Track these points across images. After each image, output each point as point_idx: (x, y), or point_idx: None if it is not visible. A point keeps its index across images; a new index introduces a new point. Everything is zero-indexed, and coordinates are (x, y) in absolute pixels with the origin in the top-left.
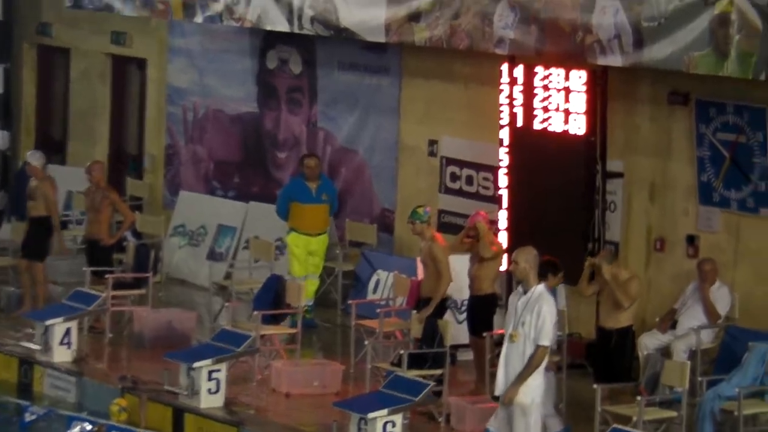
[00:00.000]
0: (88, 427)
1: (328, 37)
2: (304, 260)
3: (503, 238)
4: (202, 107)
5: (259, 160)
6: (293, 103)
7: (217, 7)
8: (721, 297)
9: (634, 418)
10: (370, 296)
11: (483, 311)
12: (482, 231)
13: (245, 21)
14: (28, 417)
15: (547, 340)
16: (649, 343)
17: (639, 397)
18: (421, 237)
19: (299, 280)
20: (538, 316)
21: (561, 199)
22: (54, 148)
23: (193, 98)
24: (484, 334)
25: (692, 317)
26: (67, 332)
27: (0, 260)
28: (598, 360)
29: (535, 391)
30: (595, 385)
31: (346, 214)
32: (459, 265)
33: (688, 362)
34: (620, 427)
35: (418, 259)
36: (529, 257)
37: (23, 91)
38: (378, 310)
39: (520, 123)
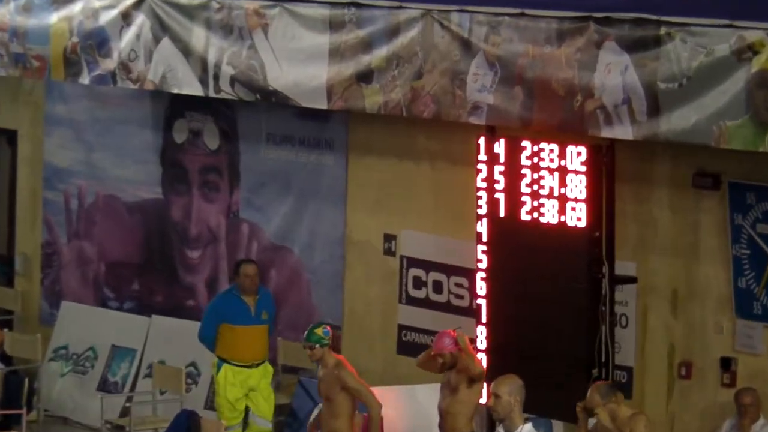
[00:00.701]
0: None
1: (254, 102)
2: (239, 403)
3: (482, 360)
4: (91, 193)
5: (165, 261)
6: (209, 188)
7: (109, 65)
8: None
9: None
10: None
11: None
12: (463, 344)
13: (146, 82)
14: None
15: None
16: None
17: None
18: (322, 364)
19: (232, 429)
20: None
21: (558, 312)
22: None
23: (79, 181)
24: None
25: None
26: None
27: None
28: None
29: None
30: None
31: (278, 331)
32: (425, 394)
33: None
34: None
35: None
36: (513, 388)
37: None
38: None
39: (502, 213)
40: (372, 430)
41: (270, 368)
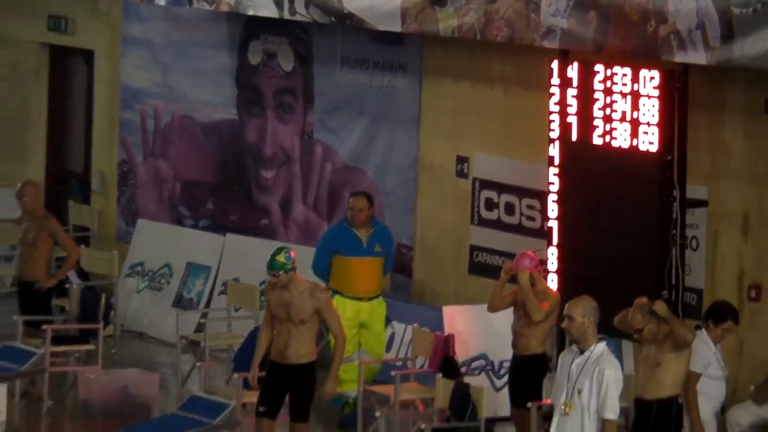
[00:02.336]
0: None
1: (328, 25)
2: (350, 337)
3: (553, 283)
4: (167, 113)
5: (240, 181)
6: (283, 109)
7: None
8: None
9: None
10: (383, 356)
11: (530, 376)
12: (523, 285)
13: (221, 4)
14: None
15: (613, 413)
16: (741, 418)
17: None
18: (289, 289)
19: (345, 362)
20: (599, 382)
21: (628, 234)
22: None
23: (155, 102)
24: (529, 404)
25: None
26: None
27: None
28: None
29: None
30: None
31: None
32: (498, 314)
33: None
34: None
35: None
36: (586, 310)
37: None
38: (393, 373)
39: (574, 137)
40: (336, 359)
41: (383, 304)
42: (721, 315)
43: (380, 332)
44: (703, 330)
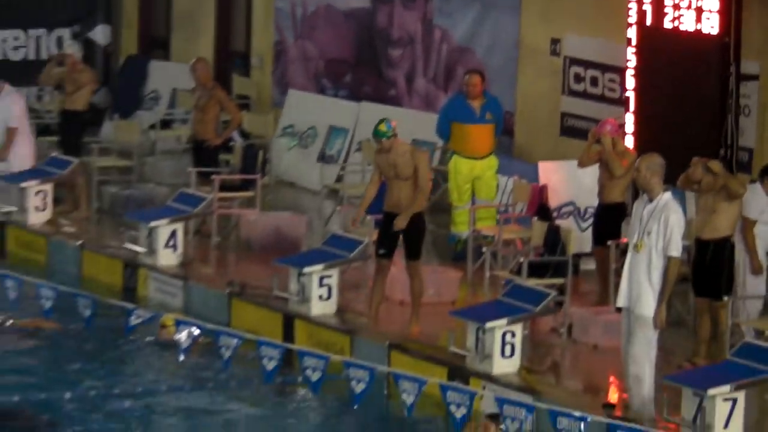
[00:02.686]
0: (196, 331)
1: None
2: (465, 189)
3: (630, 143)
4: (312, 3)
5: (372, 59)
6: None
7: None
8: None
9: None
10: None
11: (611, 220)
12: (606, 145)
13: None
14: (134, 321)
15: (676, 251)
16: None
17: None
18: (393, 152)
19: (459, 208)
20: (665, 225)
21: (691, 103)
22: (157, 44)
23: None
24: (609, 243)
25: None
26: (173, 235)
27: (103, 160)
28: (696, 273)
29: (651, 301)
30: (725, 297)
31: None
32: (585, 172)
33: None
34: (752, 341)
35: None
36: (651, 165)
37: None
38: (497, 217)
39: (649, 21)
40: (416, 205)
41: (495, 160)
42: None
43: (491, 184)
44: (758, 184)
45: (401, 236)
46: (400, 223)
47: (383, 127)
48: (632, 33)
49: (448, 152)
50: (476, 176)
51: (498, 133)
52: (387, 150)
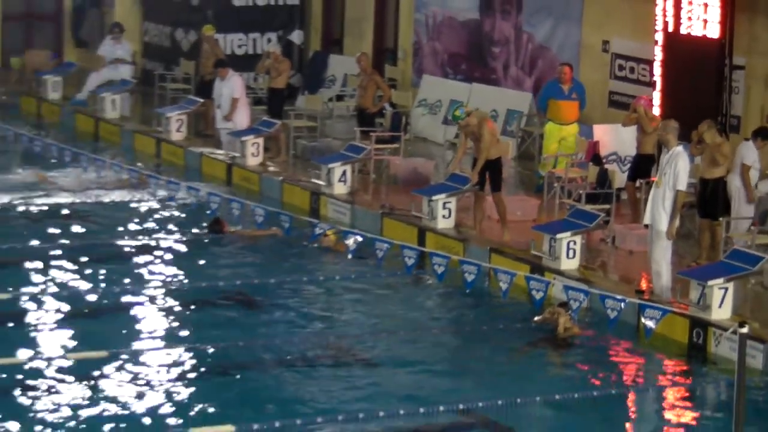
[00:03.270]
0: (360, 238)
1: None
2: (555, 145)
3: (656, 111)
4: (439, 15)
5: (480, 54)
6: (505, 12)
7: None
8: None
9: (748, 241)
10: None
11: (643, 166)
12: (640, 113)
13: None
14: (317, 231)
15: (682, 185)
16: (762, 187)
17: (752, 227)
18: (470, 126)
19: (547, 158)
20: (675, 168)
21: (699, 85)
22: (334, 43)
23: (433, 8)
24: (639, 181)
25: None
26: (344, 173)
27: (297, 122)
28: (699, 202)
29: (665, 220)
30: (721, 219)
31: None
32: (627, 131)
33: None
34: (740, 248)
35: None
36: (669, 127)
37: (312, 1)
38: (566, 162)
39: (671, 29)
40: (479, 162)
41: (576, 127)
42: (764, 134)
43: (571, 143)
44: (751, 141)
45: (486, 176)
46: (474, 176)
47: (457, 112)
48: (659, 37)
49: (544, 120)
50: (562, 137)
51: (582, 107)
52: (464, 125)
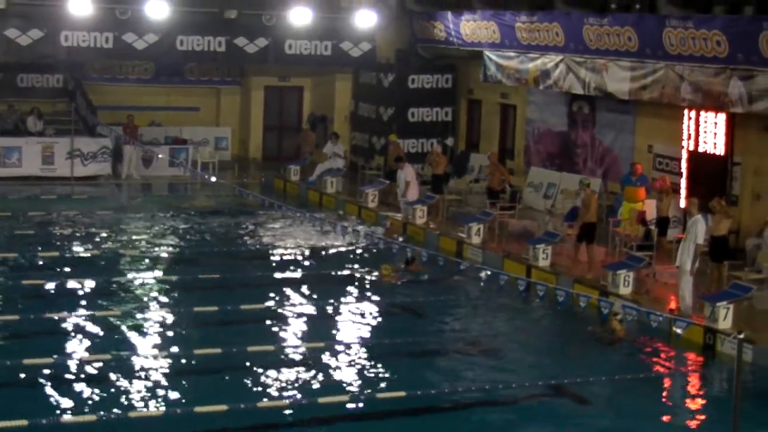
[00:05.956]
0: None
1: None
2: (625, 215)
3: (684, 194)
4: (541, 129)
5: (568, 153)
6: (584, 127)
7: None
8: None
9: (743, 277)
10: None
11: (663, 224)
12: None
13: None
14: (460, 268)
15: (700, 240)
16: (749, 242)
17: (746, 269)
18: (585, 194)
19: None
20: (695, 229)
21: (711, 179)
22: (473, 145)
23: (537, 124)
24: (669, 238)
25: None
26: (479, 229)
27: (450, 196)
28: (710, 251)
29: (689, 263)
30: (725, 262)
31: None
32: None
33: None
34: (738, 282)
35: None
36: (692, 203)
37: (459, 119)
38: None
39: (692, 147)
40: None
41: (642, 204)
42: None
43: (634, 215)
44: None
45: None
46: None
47: (584, 180)
48: (684, 150)
49: (618, 195)
50: (630, 209)
51: (648, 191)
52: (579, 194)
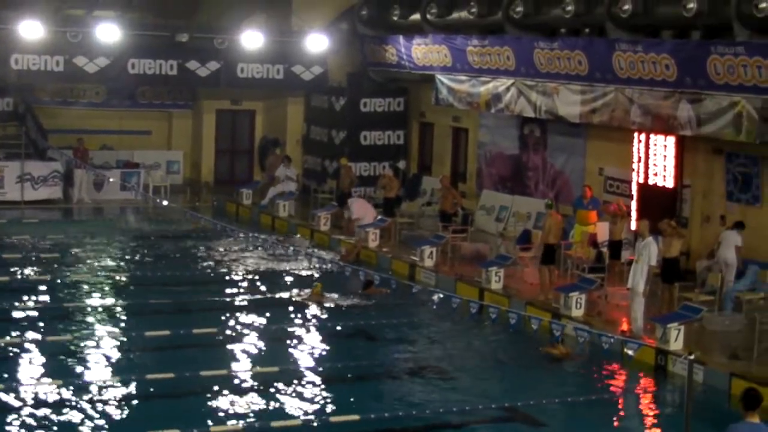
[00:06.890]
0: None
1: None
2: (578, 238)
3: (634, 215)
4: (492, 151)
5: (519, 176)
6: (536, 150)
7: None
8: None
9: (693, 298)
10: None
11: (616, 248)
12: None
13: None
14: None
15: (653, 262)
16: (699, 264)
17: (696, 290)
18: (550, 217)
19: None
20: (648, 250)
21: (661, 204)
22: (425, 168)
23: (488, 147)
24: (622, 260)
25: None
26: (431, 252)
27: (402, 219)
28: (662, 272)
29: (642, 284)
30: (676, 283)
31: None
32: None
33: (720, 273)
34: (688, 303)
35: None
36: (643, 225)
37: (411, 142)
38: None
39: (641, 180)
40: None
41: (593, 227)
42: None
43: (585, 237)
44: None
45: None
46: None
47: (548, 201)
48: (634, 173)
49: (570, 217)
50: (582, 232)
51: (600, 215)
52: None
